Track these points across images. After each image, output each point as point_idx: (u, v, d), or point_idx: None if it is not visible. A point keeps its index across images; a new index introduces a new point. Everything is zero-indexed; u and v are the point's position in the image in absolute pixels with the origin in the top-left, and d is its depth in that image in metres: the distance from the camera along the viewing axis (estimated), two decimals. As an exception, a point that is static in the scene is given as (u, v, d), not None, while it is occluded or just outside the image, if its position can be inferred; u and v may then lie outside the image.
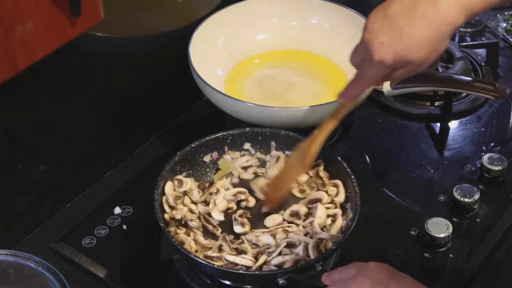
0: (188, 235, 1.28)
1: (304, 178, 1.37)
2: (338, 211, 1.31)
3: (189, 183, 1.35)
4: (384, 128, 1.61)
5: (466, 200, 1.40)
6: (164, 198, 1.31)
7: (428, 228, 1.34)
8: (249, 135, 1.42)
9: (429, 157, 1.53)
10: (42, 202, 1.41)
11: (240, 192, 1.36)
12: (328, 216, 1.31)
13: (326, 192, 1.34)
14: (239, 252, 1.26)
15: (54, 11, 0.85)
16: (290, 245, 1.26)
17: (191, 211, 1.32)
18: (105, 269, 1.33)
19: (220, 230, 1.31)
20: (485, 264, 1.35)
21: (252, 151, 1.43)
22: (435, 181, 1.48)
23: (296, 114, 1.42)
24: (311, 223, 1.29)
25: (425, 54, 1.14)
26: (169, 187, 1.33)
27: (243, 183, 1.39)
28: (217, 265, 1.21)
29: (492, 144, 1.55)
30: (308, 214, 1.32)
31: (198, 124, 1.60)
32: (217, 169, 1.40)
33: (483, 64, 1.72)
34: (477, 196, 1.40)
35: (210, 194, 1.36)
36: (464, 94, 1.64)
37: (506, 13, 1.87)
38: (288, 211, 1.33)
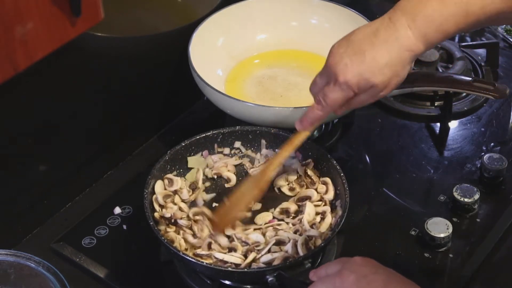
0: (178, 234, 1.28)
1: (293, 176, 1.37)
2: (327, 209, 1.31)
3: (179, 182, 1.35)
4: (384, 128, 1.61)
5: (466, 200, 1.40)
6: (154, 197, 1.31)
7: (428, 228, 1.34)
8: (239, 134, 1.42)
9: (429, 157, 1.53)
10: (42, 202, 1.41)
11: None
12: (317, 213, 1.31)
13: (316, 190, 1.34)
14: (229, 249, 1.26)
15: (54, 11, 0.85)
16: (279, 243, 1.27)
17: (180, 209, 1.32)
18: (105, 269, 1.33)
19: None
20: (485, 264, 1.35)
21: (243, 150, 1.43)
22: (435, 181, 1.49)
23: (296, 114, 1.42)
24: (300, 220, 1.30)
25: (387, 77, 1.19)
26: (159, 186, 1.33)
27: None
28: (206, 263, 1.22)
29: (492, 144, 1.55)
30: (298, 212, 1.33)
31: (198, 124, 1.60)
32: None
33: (483, 64, 1.72)
34: (477, 196, 1.40)
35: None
36: (464, 94, 1.64)
37: (506, 13, 1.87)
38: (278, 209, 1.34)
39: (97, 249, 1.36)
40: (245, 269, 1.22)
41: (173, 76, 1.59)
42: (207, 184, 1.40)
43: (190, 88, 1.51)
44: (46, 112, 1.35)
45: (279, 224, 1.30)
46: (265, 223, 1.32)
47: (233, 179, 1.40)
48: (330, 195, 1.34)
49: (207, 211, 1.32)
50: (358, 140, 1.58)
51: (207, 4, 1.61)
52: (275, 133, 1.41)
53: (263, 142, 1.42)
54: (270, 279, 1.19)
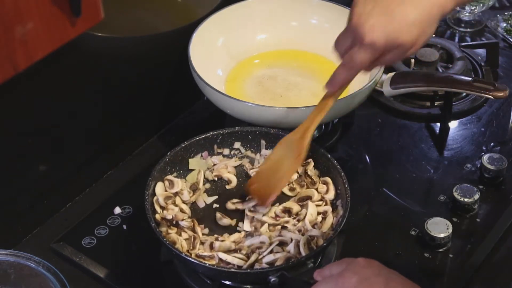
0: (180, 235, 1.28)
1: (294, 176, 1.37)
2: (328, 208, 1.31)
3: (180, 184, 1.35)
4: (384, 128, 1.61)
5: (466, 200, 1.40)
6: (155, 199, 1.31)
7: (428, 228, 1.34)
8: (239, 134, 1.42)
9: (429, 157, 1.53)
10: (42, 202, 1.41)
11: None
12: (319, 213, 1.31)
13: (316, 189, 1.34)
14: (234, 250, 1.26)
15: (54, 11, 0.85)
16: (282, 243, 1.27)
17: (182, 211, 1.32)
18: (105, 269, 1.33)
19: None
20: (485, 264, 1.35)
21: (243, 150, 1.43)
22: (435, 181, 1.49)
23: (296, 114, 1.42)
24: (301, 220, 1.30)
25: (415, 36, 1.15)
26: (159, 187, 1.33)
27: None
28: (209, 264, 1.22)
29: (492, 144, 1.55)
30: (299, 212, 1.33)
31: (198, 124, 1.60)
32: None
33: (483, 64, 1.72)
34: (477, 196, 1.40)
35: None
36: (464, 94, 1.64)
37: (506, 13, 1.87)
38: (280, 207, 1.33)
39: (97, 249, 1.36)
40: (248, 270, 1.22)
41: (173, 76, 1.59)
42: (207, 185, 1.40)
43: (190, 88, 1.51)
44: (46, 112, 1.35)
45: (287, 222, 1.31)
46: (272, 217, 1.32)
47: (234, 180, 1.40)
48: (331, 195, 1.34)
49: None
50: (358, 140, 1.58)
51: (207, 4, 1.61)
52: (275, 134, 1.41)
53: (263, 142, 1.42)
54: (273, 279, 1.19)
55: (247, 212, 1.33)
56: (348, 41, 1.19)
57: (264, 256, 1.24)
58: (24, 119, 1.32)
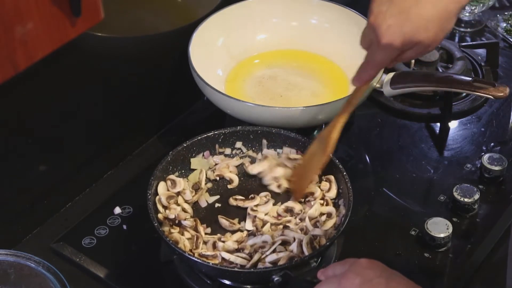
0: (182, 234, 1.28)
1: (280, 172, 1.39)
2: (332, 210, 1.31)
3: (182, 183, 1.35)
4: (384, 128, 1.61)
5: (466, 200, 1.40)
6: (157, 198, 1.31)
7: (428, 228, 1.34)
8: (240, 134, 1.42)
9: (429, 157, 1.53)
10: (42, 202, 1.41)
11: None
12: (322, 214, 1.31)
13: (319, 187, 1.35)
14: (237, 249, 1.26)
15: (54, 11, 0.85)
16: (284, 242, 1.27)
17: (184, 210, 1.32)
18: (105, 269, 1.33)
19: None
20: (485, 264, 1.35)
21: (244, 150, 1.43)
22: (435, 181, 1.48)
23: (296, 114, 1.42)
24: (304, 219, 1.30)
25: (433, 33, 1.15)
26: (162, 187, 1.33)
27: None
28: (212, 264, 1.22)
29: (492, 144, 1.55)
30: (302, 211, 1.33)
31: (198, 124, 1.60)
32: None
33: (483, 64, 1.72)
34: (477, 196, 1.40)
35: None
36: (464, 94, 1.64)
37: (506, 13, 1.87)
38: (282, 206, 1.33)
39: (97, 249, 1.36)
40: (252, 269, 1.22)
41: (173, 76, 1.59)
42: (209, 185, 1.39)
43: (190, 88, 1.51)
44: (46, 112, 1.35)
45: (289, 221, 1.31)
46: (274, 216, 1.32)
47: (236, 180, 1.40)
48: (333, 193, 1.34)
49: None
50: (358, 140, 1.58)
51: (207, 4, 1.61)
52: (276, 133, 1.41)
53: (264, 142, 1.42)
54: (276, 278, 1.19)
55: (249, 211, 1.33)
56: (368, 39, 1.21)
57: (267, 256, 1.24)
58: (24, 119, 1.32)
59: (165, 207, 1.31)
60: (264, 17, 1.67)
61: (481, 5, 1.83)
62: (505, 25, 1.84)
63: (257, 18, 1.67)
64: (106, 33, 1.37)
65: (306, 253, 1.23)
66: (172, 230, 1.28)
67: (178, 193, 1.34)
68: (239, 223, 1.33)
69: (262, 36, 1.68)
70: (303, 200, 1.35)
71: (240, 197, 1.36)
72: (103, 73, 1.43)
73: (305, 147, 1.38)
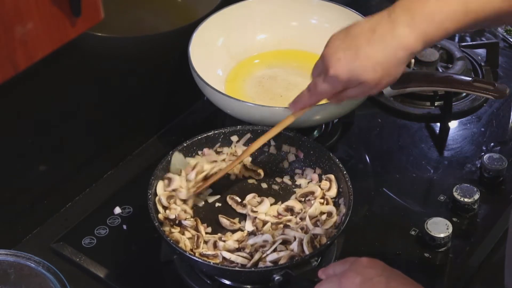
0: (183, 234, 1.28)
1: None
2: (333, 209, 1.31)
3: (177, 180, 1.34)
4: (384, 128, 1.61)
5: (466, 200, 1.40)
6: (157, 198, 1.31)
7: (428, 228, 1.34)
8: (240, 133, 1.42)
9: (429, 157, 1.53)
10: (42, 202, 1.41)
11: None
12: (323, 213, 1.31)
13: (319, 186, 1.35)
14: (238, 249, 1.26)
15: (54, 11, 0.85)
16: (285, 242, 1.27)
17: (184, 210, 1.32)
18: (105, 269, 1.33)
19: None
20: (485, 264, 1.35)
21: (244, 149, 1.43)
22: (435, 181, 1.49)
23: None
24: (304, 219, 1.30)
25: (379, 76, 1.19)
26: (160, 187, 1.33)
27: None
28: (213, 263, 1.22)
29: (492, 144, 1.55)
30: (302, 210, 1.33)
31: (198, 124, 1.60)
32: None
33: (483, 64, 1.72)
34: (477, 196, 1.40)
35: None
36: (464, 94, 1.64)
37: (506, 13, 1.87)
38: (283, 206, 1.34)
39: (97, 249, 1.36)
40: (253, 268, 1.22)
41: (173, 76, 1.59)
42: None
43: (190, 88, 1.51)
44: (46, 112, 1.35)
45: (289, 220, 1.31)
46: (274, 216, 1.33)
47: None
48: (333, 193, 1.34)
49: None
50: (358, 140, 1.58)
51: (207, 4, 1.61)
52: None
53: (235, 138, 1.42)
54: (277, 278, 1.19)
55: (248, 212, 1.33)
56: (319, 68, 1.24)
57: (267, 255, 1.24)
58: (24, 119, 1.32)
59: (165, 207, 1.31)
60: (264, 17, 1.67)
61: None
62: (505, 25, 1.84)
63: (257, 18, 1.67)
64: (106, 33, 1.37)
65: (307, 252, 1.23)
66: (173, 230, 1.28)
67: (175, 191, 1.34)
68: (239, 222, 1.33)
69: (262, 36, 1.68)
70: (303, 199, 1.35)
71: (236, 198, 1.36)
72: (103, 73, 1.43)
73: (304, 146, 1.38)
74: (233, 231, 1.31)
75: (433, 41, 1.19)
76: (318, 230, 1.27)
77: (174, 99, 1.62)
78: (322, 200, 1.33)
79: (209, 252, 1.25)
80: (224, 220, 1.32)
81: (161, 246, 1.33)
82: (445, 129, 1.59)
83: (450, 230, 1.34)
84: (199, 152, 1.40)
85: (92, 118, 1.45)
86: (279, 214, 1.33)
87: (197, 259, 1.21)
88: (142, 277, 1.32)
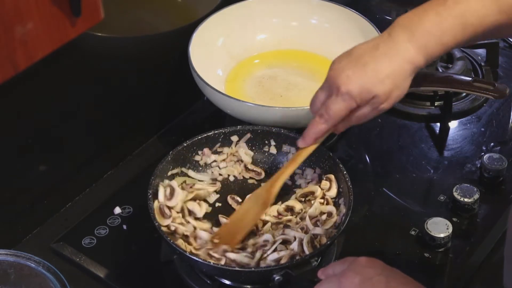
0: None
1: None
2: (333, 209, 1.31)
3: (180, 195, 1.32)
4: (384, 128, 1.61)
5: (466, 200, 1.40)
6: (156, 205, 1.29)
7: (428, 228, 1.34)
8: (240, 133, 1.42)
9: (429, 157, 1.53)
10: (42, 202, 1.41)
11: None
12: (323, 213, 1.31)
13: (319, 186, 1.35)
14: (239, 248, 1.27)
15: (54, 11, 0.85)
16: (285, 242, 1.27)
17: (182, 223, 1.31)
18: (105, 269, 1.33)
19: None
20: (485, 264, 1.35)
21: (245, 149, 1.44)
22: (435, 181, 1.49)
23: (296, 114, 1.42)
24: (304, 219, 1.30)
25: (388, 88, 1.21)
26: (162, 194, 1.31)
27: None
28: (213, 263, 1.22)
29: (492, 144, 1.55)
30: (302, 210, 1.33)
31: (198, 124, 1.60)
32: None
33: (483, 64, 1.72)
34: (477, 196, 1.40)
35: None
36: (464, 94, 1.64)
37: (506, 13, 1.87)
38: (283, 206, 1.34)
39: (97, 249, 1.36)
40: (253, 268, 1.22)
41: (173, 76, 1.59)
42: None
43: (190, 88, 1.51)
44: (46, 112, 1.35)
45: (289, 220, 1.31)
46: (274, 216, 1.32)
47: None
48: (333, 193, 1.34)
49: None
50: (358, 140, 1.58)
51: (207, 4, 1.61)
52: (276, 132, 1.41)
53: (235, 138, 1.42)
54: (277, 278, 1.19)
55: None
56: (324, 96, 1.25)
57: (268, 255, 1.24)
58: (24, 119, 1.32)
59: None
60: (264, 17, 1.67)
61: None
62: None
63: (257, 18, 1.67)
64: (106, 33, 1.37)
65: (307, 252, 1.23)
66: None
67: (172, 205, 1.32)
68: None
69: (262, 36, 1.68)
70: (303, 199, 1.35)
71: (237, 198, 1.37)
72: (103, 73, 1.43)
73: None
74: None
75: (434, 55, 1.23)
76: (318, 230, 1.27)
77: (174, 99, 1.62)
78: (322, 200, 1.33)
79: (216, 255, 1.24)
80: (224, 220, 1.32)
81: (161, 246, 1.33)
82: (445, 129, 1.59)
83: (450, 230, 1.34)
84: (199, 152, 1.40)
85: (92, 118, 1.45)
86: (279, 214, 1.33)
87: (197, 259, 1.21)
88: (142, 277, 1.32)
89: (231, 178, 1.41)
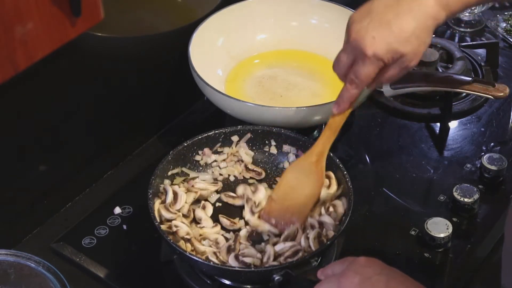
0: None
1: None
2: (338, 202, 1.31)
3: (183, 199, 1.32)
4: (384, 128, 1.61)
5: (466, 200, 1.40)
6: (157, 207, 1.30)
7: (428, 228, 1.34)
8: (241, 133, 1.42)
9: (429, 157, 1.53)
10: (42, 202, 1.41)
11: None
12: (328, 208, 1.31)
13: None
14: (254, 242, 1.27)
15: (54, 11, 0.85)
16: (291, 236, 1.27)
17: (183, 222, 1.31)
18: (105, 269, 1.33)
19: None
20: (485, 264, 1.35)
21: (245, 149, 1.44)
22: (435, 181, 1.49)
23: (296, 114, 1.42)
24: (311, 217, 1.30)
25: (415, 46, 1.19)
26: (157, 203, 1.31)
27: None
28: (213, 263, 1.22)
29: (492, 144, 1.55)
30: None
31: (198, 124, 1.60)
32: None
33: (483, 64, 1.72)
34: (477, 196, 1.40)
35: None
36: (464, 94, 1.64)
37: (506, 13, 1.87)
38: None
39: (97, 249, 1.36)
40: (253, 269, 1.22)
41: (173, 76, 1.59)
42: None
43: (190, 88, 1.51)
44: (46, 112, 1.35)
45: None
46: None
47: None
48: (333, 190, 1.34)
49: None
50: (358, 140, 1.58)
51: (207, 4, 1.61)
52: (276, 132, 1.41)
53: (236, 138, 1.43)
54: (277, 278, 1.19)
55: (245, 200, 1.33)
56: (349, 60, 1.22)
57: (275, 244, 1.25)
58: (24, 119, 1.32)
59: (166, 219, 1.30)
60: (264, 17, 1.67)
61: (481, 5, 1.83)
62: (505, 25, 1.84)
63: (257, 18, 1.67)
64: (106, 33, 1.37)
65: (313, 248, 1.23)
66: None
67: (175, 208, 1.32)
68: (239, 221, 1.33)
69: (262, 36, 1.68)
70: None
71: (230, 193, 1.37)
72: (103, 73, 1.43)
73: (305, 147, 1.38)
74: (234, 231, 1.31)
75: (455, 12, 1.20)
76: (326, 218, 1.27)
77: (174, 99, 1.62)
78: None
79: (225, 261, 1.24)
80: (224, 220, 1.32)
81: (161, 246, 1.33)
82: (445, 129, 1.59)
83: (450, 230, 1.34)
84: (200, 152, 1.40)
85: (92, 118, 1.45)
86: None
87: (197, 259, 1.21)
88: (142, 277, 1.32)
89: (232, 178, 1.41)
